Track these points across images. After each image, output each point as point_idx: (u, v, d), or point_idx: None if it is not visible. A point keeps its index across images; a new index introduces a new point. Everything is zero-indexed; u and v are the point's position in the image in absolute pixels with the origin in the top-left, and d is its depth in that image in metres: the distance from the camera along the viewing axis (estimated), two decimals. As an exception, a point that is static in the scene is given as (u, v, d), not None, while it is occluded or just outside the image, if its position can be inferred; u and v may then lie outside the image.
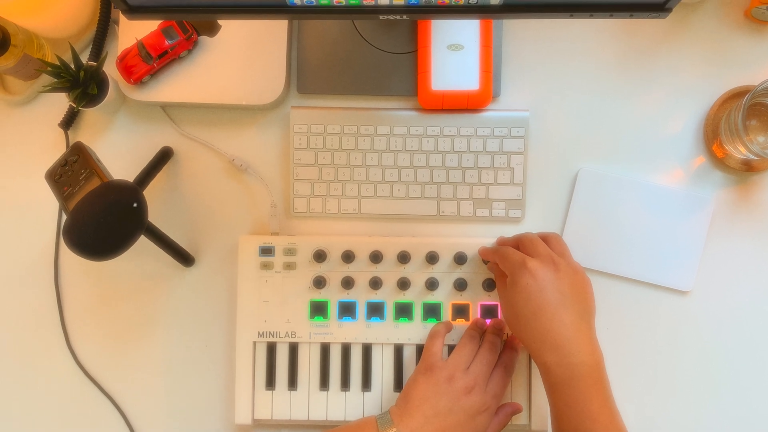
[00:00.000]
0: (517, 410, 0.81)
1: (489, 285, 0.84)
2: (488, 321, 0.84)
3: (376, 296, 0.85)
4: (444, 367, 0.78)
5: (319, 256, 0.85)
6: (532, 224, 0.88)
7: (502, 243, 0.82)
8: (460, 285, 0.84)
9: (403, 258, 0.84)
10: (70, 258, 0.89)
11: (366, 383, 0.85)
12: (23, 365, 0.90)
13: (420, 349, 0.85)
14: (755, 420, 0.86)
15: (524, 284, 0.74)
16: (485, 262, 0.85)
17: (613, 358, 0.82)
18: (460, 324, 0.85)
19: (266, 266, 0.86)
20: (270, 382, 0.85)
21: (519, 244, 0.79)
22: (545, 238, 0.79)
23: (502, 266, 0.78)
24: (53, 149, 0.90)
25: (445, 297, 0.85)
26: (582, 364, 0.72)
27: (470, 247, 0.85)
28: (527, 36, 0.89)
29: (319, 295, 0.86)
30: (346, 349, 0.86)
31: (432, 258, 0.84)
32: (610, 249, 0.87)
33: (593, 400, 0.71)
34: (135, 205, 0.76)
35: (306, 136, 0.87)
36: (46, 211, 0.90)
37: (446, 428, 0.75)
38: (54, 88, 0.81)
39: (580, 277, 0.76)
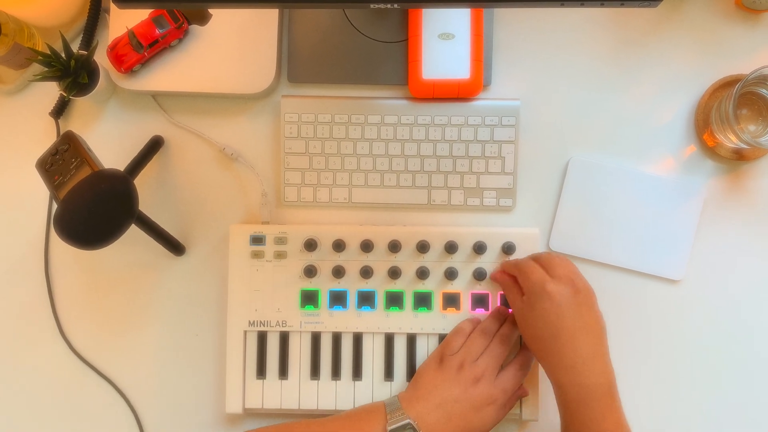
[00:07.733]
0: (523, 395, 0.82)
1: (479, 274, 0.84)
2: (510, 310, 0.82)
3: (366, 285, 0.85)
4: (455, 357, 0.80)
5: (310, 245, 0.85)
6: (523, 213, 0.88)
7: (515, 264, 0.81)
8: (451, 274, 0.84)
9: (394, 247, 0.84)
10: (61, 247, 0.89)
11: (357, 372, 0.85)
12: (16, 355, 0.90)
13: (410, 339, 0.85)
14: (746, 408, 0.86)
15: (543, 308, 0.75)
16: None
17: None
18: (451, 313, 0.85)
19: (257, 255, 0.86)
20: (261, 372, 0.85)
21: (536, 260, 0.79)
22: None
23: (521, 282, 0.78)
24: (44, 138, 0.90)
25: (435, 286, 0.85)
26: (596, 385, 0.73)
27: (461, 237, 0.85)
28: (518, 25, 0.89)
29: (310, 284, 0.85)
30: (336, 338, 0.86)
31: (423, 247, 0.84)
32: (601, 238, 0.87)
33: (607, 419, 0.72)
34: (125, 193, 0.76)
35: (297, 125, 0.87)
36: (37, 200, 0.90)
37: (451, 416, 0.76)
38: (45, 77, 0.81)
39: (593, 297, 0.77)
